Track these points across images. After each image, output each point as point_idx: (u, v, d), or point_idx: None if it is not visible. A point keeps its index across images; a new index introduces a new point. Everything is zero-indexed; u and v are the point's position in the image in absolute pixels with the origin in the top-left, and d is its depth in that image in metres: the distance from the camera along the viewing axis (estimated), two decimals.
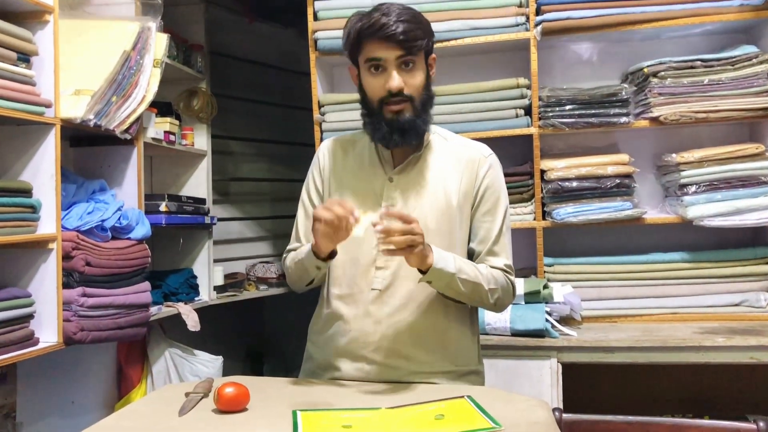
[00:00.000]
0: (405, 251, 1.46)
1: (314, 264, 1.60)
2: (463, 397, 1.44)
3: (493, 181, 1.71)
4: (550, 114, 2.67)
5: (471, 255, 1.71)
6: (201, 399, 1.50)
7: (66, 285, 2.22)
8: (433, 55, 1.68)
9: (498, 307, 1.69)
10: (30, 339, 2.11)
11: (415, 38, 1.56)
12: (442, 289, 1.61)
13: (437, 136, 1.75)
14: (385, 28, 1.55)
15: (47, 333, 2.17)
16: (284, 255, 1.80)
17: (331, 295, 1.71)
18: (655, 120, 2.61)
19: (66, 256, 2.21)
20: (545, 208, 2.72)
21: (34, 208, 2.14)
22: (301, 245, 1.75)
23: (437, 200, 1.66)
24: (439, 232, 1.65)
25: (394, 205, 1.66)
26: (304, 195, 1.80)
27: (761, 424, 1.51)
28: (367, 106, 1.66)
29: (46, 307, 2.17)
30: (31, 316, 2.14)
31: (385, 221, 1.45)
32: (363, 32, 1.58)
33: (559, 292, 2.53)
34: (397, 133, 1.62)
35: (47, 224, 2.17)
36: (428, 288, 1.62)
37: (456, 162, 1.70)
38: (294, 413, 1.36)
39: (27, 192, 2.13)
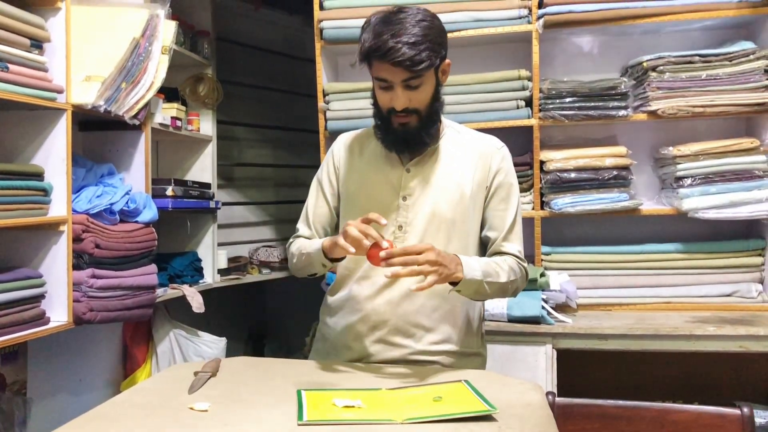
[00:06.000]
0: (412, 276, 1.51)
1: (321, 261, 1.69)
2: (460, 381, 1.50)
3: (506, 172, 1.78)
4: (551, 106, 2.72)
5: (485, 242, 1.78)
6: (209, 378, 1.56)
7: (76, 266, 2.27)
8: (448, 61, 1.70)
9: (514, 294, 1.76)
10: (41, 318, 2.17)
11: (421, 62, 1.57)
12: (470, 296, 1.67)
13: (451, 129, 1.80)
14: (392, 54, 1.55)
15: (57, 313, 2.24)
16: (291, 240, 1.87)
17: (345, 278, 1.78)
18: (653, 113, 2.66)
19: (76, 239, 2.27)
20: (544, 198, 2.77)
21: (45, 192, 2.19)
22: (311, 233, 1.83)
23: (452, 190, 1.73)
24: (454, 220, 1.72)
25: (412, 195, 1.72)
26: (315, 183, 1.87)
27: (745, 409, 1.57)
28: (378, 111, 1.71)
29: (57, 287, 2.23)
30: (42, 296, 2.19)
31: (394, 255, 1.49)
32: (371, 53, 1.59)
33: (556, 280, 2.59)
34: (402, 143, 1.71)
35: (58, 207, 2.23)
36: None
37: (470, 154, 1.76)
38: (299, 392, 1.42)
39: (39, 175, 2.19)
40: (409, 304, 1.71)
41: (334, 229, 1.86)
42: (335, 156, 1.85)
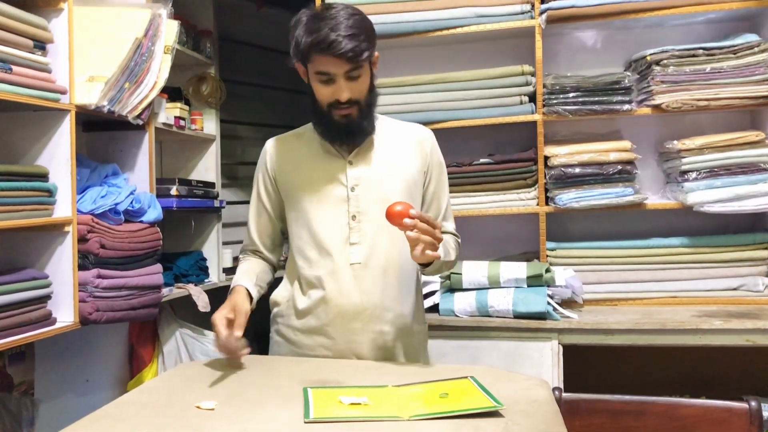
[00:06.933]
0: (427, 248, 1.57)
1: None
2: (466, 377, 1.49)
3: (439, 157, 1.92)
4: (554, 101, 2.71)
5: None
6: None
7: (81, 267, 2.28)
8: (377, 54, 1.76)
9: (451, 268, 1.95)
10: (47, 319, 2.18)
11: (361, 52, 1.64)
12: (431, 273, 1.79)
13: (382, 120, 1.89)
14: (335, 46, 1.61)
15: (64, 313, 2.24)
16: (240, 255, 2.00)
17: (310, 279, 1.81)
18: (657, 107, 2.65)
19: (81, 239, 2.27)
20: (548, 194, 2.76)
21: (50, 192, 2.19)
22: (256, 245, 1.96)
23: (396, 177, 1.81)
24: None
25: (360, 185, 1.78)
26: (254, 194, 1.95)
27: (752, 403, 1.57)
28: (317, 107, 1.76)
29: (63, 288, 2.23)
30: (48, 296, 2.20)
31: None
32: (313, 48, 1.64)
33: (561, 275, 2.58)
34: (345, 135, 1.78)
35: (63, 208, 2.23)
36: (403, 254, 1.75)
37: (406, 141, 1.87)
38: (305, 390, 1.42)
39: (43, 176, 2.19)
40: (381, 291, 1.77)
41: (279, 235, 1.96)
42: (268, 164, 1.92)
